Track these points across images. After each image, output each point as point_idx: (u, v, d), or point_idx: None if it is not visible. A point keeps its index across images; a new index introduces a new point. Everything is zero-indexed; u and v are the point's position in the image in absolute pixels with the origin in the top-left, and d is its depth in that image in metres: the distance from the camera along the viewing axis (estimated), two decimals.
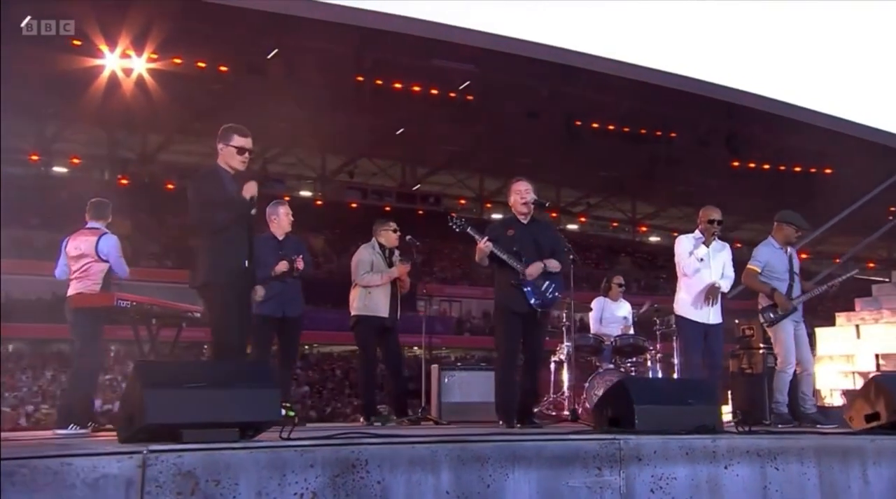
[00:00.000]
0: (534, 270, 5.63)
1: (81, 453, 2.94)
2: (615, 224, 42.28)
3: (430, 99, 26.11)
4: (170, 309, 6.33)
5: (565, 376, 7.31)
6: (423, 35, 22.69)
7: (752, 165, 30.95)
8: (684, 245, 6.31)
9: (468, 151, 32.02)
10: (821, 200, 32.43)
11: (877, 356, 7.68)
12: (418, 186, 36.70)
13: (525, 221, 5.81)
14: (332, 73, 23.62)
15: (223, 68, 23.89)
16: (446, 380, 7.26)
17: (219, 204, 4.55)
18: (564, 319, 7.37)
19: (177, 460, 3.01)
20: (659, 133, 28.88)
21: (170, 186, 30.06)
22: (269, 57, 23.67)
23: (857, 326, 7.81)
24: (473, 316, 32.01)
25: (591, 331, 7.92)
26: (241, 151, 4.70)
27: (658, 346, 7.80)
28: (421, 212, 35.81)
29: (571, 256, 6.04)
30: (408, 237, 7.03)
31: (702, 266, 6.23)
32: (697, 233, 6.34)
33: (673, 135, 28.99)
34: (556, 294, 5.77)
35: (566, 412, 7.01)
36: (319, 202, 34.65)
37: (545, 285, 5.68)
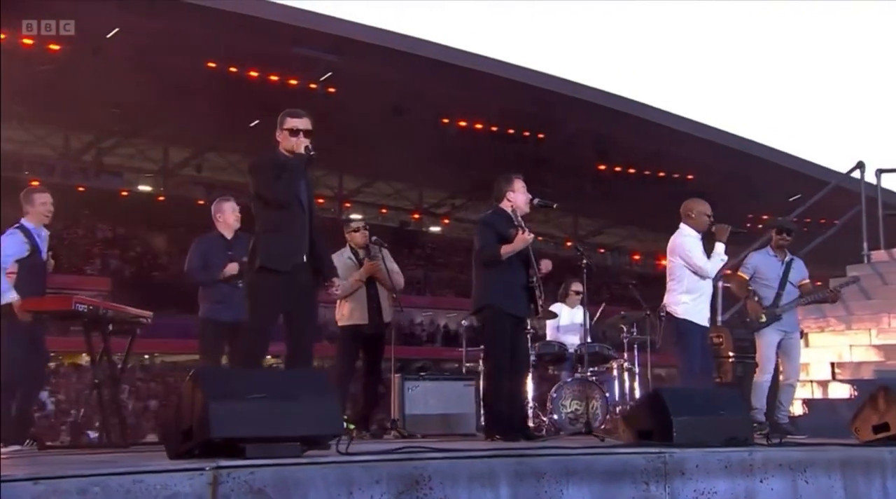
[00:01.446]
0: (546, 266, 5.70)
1: (153, 470, 2.96)
2: None
3: (289, 90, 25.53)
4: (122, 314, 5.98)
5: (529, 386, 7.14)
6: (283, 21, 22.19)
7: (618, 168, 32.15)
8: (696, 245, 6.10)
9: (327, 146, 31.38)
10: (679, 205, 34.41)
11: (832, 365, 7.90)
12: None
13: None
14: (181, 57, 22.71)
15: (54, 46, 22.47)
16: (410, 390, 7.08)
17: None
18: (529, 327, 7.35)
19: (248, 476, 3.06)
20: (527, 133, 29.50)
21: None
22: (108, 36, 22.47)
23: (806, 335, 8.05)
24: (329, 322, 31.56)
25: (547, 339, 7.87)
26: (293, 132, 4.77)
27: (625, 354, 7.80)
28: None
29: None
30: (373, 238, 7.03)
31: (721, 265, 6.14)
32: (693, 231, 6.16)
33: (541, 136, 29.69)
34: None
35: (530, 423, 6.89)
36: (161, 198, 33.45)
37: (541, 287, 5.74)
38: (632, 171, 32.33)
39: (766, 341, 6.53)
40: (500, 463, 3.62)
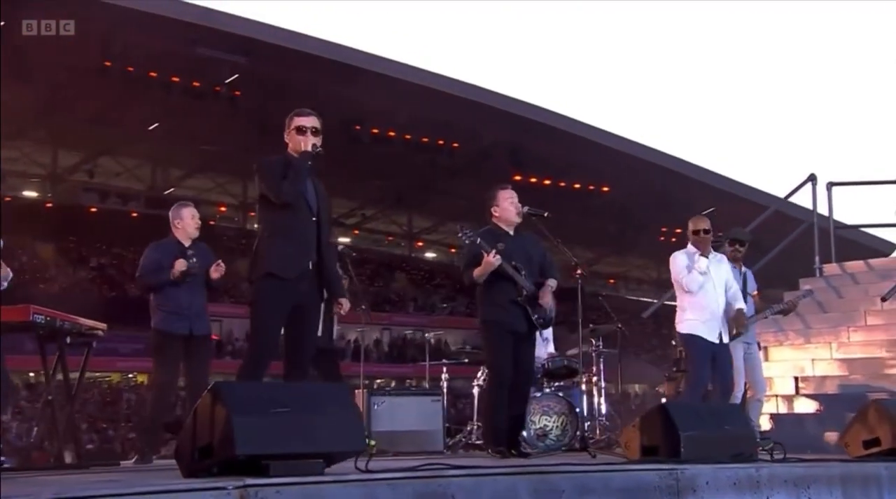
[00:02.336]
0: (547, 298, 5.73)
1: (175, 489, 2.97)
2: (390, 238, 42.82)
3: (191, 92, 24.97)
4: (78, 326, 5.76)
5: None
6: (186, 19, 21.70)
7: (533, 179, 32.55)
8: (680, 261, 6.31)
9: (232, 152, 31.10)
10: (596, 218, 35.15)
11: (796, 379, 8.03)
12: (171, 190, 35.07)
13: (512, 233, 5.86)
14: (73, 55, 21.93)
15: None
16: (376, 406, 7.03)
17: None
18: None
19: (276, 495, 3.07)
20: (441, 142, 29.61)
21: None
22: None
23: (766, 349, 8.18)
24: (236, 338, 31.11)
25: None
26: (300, 130, 4.77)
27: (593, 369, 7.80)
28: None
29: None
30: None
31: (705, 280, 6.22)
32: (690, 247, 6.36)
33: (455, 145, 29.85)
34: (554, 311, 5.84)
35: None
36: (49, 205, 32.22)
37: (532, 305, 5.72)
38: (547, 182, 32.77)
39: (735, 355, 6.58)
40: (522, 481, 3.75)
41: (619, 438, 5.63)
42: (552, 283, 5.83)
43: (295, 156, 4.75)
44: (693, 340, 6.19)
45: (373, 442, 6.07)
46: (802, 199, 9.69)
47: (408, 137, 29.02)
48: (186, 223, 6.32)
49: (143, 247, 6.44)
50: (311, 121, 4.83)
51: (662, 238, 33.11)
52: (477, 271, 5.64)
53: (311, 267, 4.62)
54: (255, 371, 4.51)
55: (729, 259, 6.88)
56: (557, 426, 7.08)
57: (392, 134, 29.02)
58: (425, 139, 29.52)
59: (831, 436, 6.57)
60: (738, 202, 31.38)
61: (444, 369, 8.29)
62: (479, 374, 7.63)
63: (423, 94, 25.77)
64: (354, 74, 24.74)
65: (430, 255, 44.09)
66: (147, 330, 6.25)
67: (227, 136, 28.62)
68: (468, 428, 7.57)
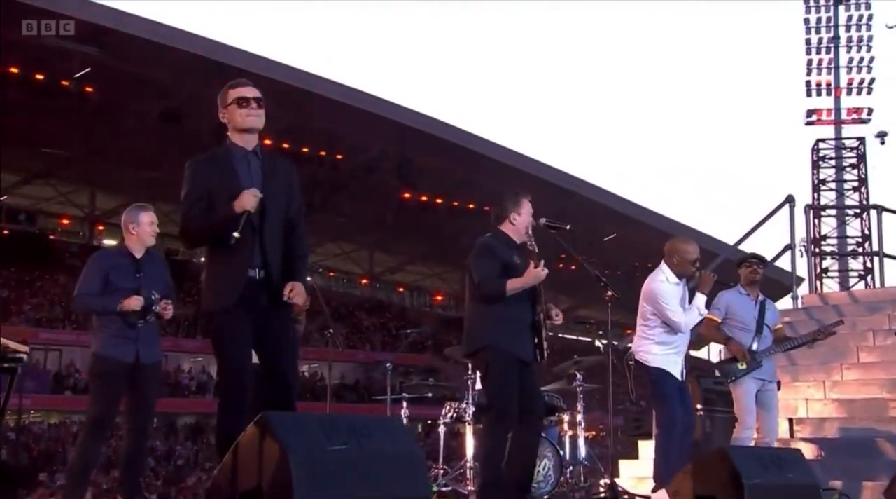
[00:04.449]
0: (558, 316, 5.51)
1: None
2: None
3: (33, 86, 24.00)
4: (4, 348, 5.11)
5: (468, 441, 6.79)
6: (29, 3, 20.73)
7: (423, 197, 32.53)
8: (670, 294, 6.04)
9: (79, 157, 29.99)
10: None
11: (790, 421, 7.91)
12: (4, 197, 33.67)
13: (519, 246, 5.56)
14: None
15: None
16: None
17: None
18: (470, 373, 6.94)
19: None
20: (323, 153, 29.25)
21: None
22: None
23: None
24: (77, 370, 29.88)
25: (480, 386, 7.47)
26: (242, 101, 4.30)
27: (577, 405, 7.48)
28: (7, 232, 33.62)
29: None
30: None
31: (688, 311, 6.04)
32: (672, 276, 6.08)
33: (339, 156, 29.55)
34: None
35: (470, 487, 6.61)
36: None
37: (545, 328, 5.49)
38: (439, 201, 32.80)
39: (745, 391, 6.46)
40: None
41: (671, 488, 5.37)
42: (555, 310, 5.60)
43: (236, 148, 4.34)
44: (664, 377, 6.04)
45: (434, 487, 5.90)
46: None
47: (286, 145, 28.53)
48: (143, 230, 5.84)
49: None
50: (252, 90, 4.35)
51: (561, 265, 33.54)
52: (517, 283, 5.30)
53: (259, 277, 4.28)
54: (235, 411, 4.16)
55: (745, 285, 6.73)
56: (539, 472, 6.74)
57: (268, 142, 28.45)
58: (305, 149, 29.10)
59: (836, 484, 6.51)
60: (644, 229, 32.20)
61: (405, 405, 7.85)
62: (446, 410, 7.29)
63: (302, 98, 25.44)
64: (222, 72, 24.14)
65: (307, 279, 43.47)
66: None
67: (75, 138, 27.60)
68: (433, 470, 7.19)
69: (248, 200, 4.15)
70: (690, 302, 6.08)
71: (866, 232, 29.68)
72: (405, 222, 34.87)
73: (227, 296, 4.22)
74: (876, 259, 10.68)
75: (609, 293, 6.04)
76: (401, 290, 47.65)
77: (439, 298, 48.85)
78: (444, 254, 41.17)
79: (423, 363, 32.89)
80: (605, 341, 8.43)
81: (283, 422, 3.30)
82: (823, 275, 31.69)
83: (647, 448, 7.99)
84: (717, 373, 6.73)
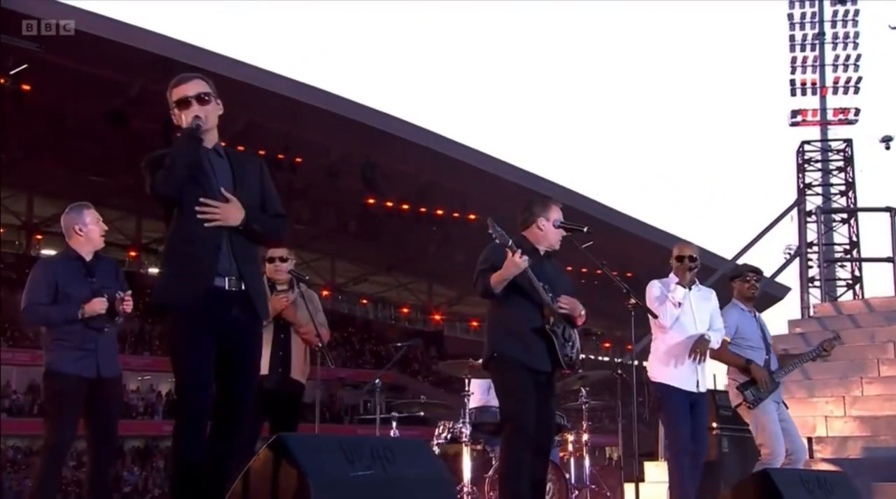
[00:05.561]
0: (575, 306, 5.27)
1: None
2: None
3: None
4: None
5: (465, 464, 6.66)
6: None
7: (388, 203, 32.28)
8: (654, 290, 6.16)
9: (15, 160, 29.42)
10: (460, 250, 35.15)
11: (809, 440, 7.73)
12: None
13: (542, 254, 5.44)
14: None
15: None
16: None
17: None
18: (468, 388, 6.86)
19: None
20: (281, 156, 28.92)
21: None
22: None
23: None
24: (14, 390, 29.37)
25: (475, 404, 7.24)
26: (182, 103, 4.16)
27: (583, 425, 7.42)
28: None
29: None
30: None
31: (681, 313, 6.05)
32: (671, 275, 6.20)
33: (298, 160, 29.27)
34: (579, 350, 5.41)
35: None
36: None
37: (570, 335, 5.31)
38: (405, 207, 32.56)
39: (770, 417, 6.31)
40: None
41: None
42: (581, 310, 5.37)
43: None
44: (667, 393, 6.04)
45: None
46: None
47: (240, 147, 28.15)
48: (91, 230, 5.63)
49: None
50: (194, 87, 4.21)
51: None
52: (496, 276, 5.16)
53: (229, 286, 4.06)
54: (192, 434, 3.96)
55: (744, 300, 6.63)
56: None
57: (221, 143, 28.09)
58: (262, 151, 28.71)
59: None
60: (620, 235, 32.09)
61: (394, 425, 7.70)
62: (440, 430, 7.18)
63: (257, 97, 25.14)
64: (173, 68, 23.73)
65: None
66: None
67: (10, 140, 27.12)
68: None
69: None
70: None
71: (854, 238, 29.73)
72: (369, 230, 34.74)
73: (187, 292, 4.03)
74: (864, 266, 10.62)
75: (632, 301, 5.87)
76: (364, 302, 47.34)
77: (405, 310, 48.63)
78: (411, 263, 40.98)
79: (389, 381, 32.56)
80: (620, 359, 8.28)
81: (302, 445, 3.29)
82: (810, 284, 31.76)
83: (652, 470, 7.87)
84: (745, 399, 6.39)
